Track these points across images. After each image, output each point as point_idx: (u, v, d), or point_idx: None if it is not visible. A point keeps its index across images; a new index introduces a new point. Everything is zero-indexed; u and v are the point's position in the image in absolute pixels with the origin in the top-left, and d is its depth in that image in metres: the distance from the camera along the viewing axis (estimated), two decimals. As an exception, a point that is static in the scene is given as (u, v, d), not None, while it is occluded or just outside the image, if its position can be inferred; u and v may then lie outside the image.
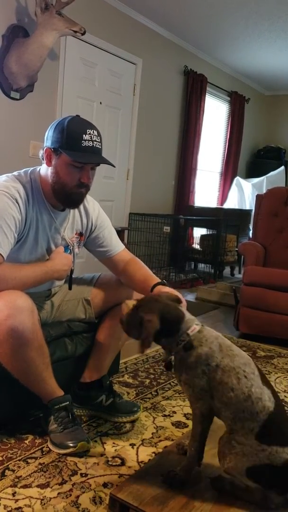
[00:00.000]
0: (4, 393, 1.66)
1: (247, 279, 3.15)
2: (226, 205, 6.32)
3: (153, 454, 1.63)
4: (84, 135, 1.58)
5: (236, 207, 6.19)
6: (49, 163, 1.64)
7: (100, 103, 4.38)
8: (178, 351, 1.28)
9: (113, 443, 1.70)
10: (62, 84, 3.94)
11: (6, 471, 1.48)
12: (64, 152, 1.58)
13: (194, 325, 1.29)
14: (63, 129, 1.59)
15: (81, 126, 1.60)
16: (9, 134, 3.59)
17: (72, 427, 1.63)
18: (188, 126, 5.52)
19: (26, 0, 3.50)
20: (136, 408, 1.88)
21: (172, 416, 1.94)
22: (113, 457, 1.61)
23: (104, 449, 1.65)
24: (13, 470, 1.49)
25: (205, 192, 6.34)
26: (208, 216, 5.34)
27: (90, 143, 1.59)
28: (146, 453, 1.64)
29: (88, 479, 1.48)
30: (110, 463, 1.57)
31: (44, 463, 1.54)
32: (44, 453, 1.60)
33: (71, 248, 1.82)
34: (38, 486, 1.42)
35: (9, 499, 1.36)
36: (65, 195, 1.65)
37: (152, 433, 1.79)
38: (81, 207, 1.81)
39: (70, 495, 1.39)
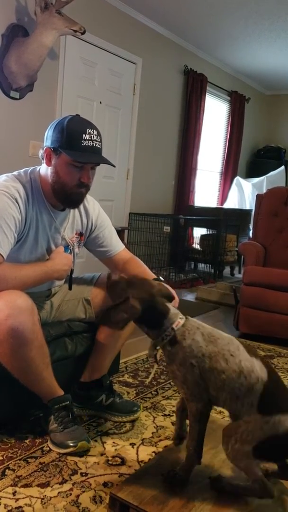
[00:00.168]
0: (4, 393, 1.66)
1: (247, 279, 3.15)
2: (226, 205, 6.32)
3: (153, 454, 1.63)
4: (84, 135, 1.58)
5: (236, 207, 6.19)
6: (49, 163, 1.64)
7: (100, 102, 4.38)
8: (164, 346, 1.29)
9: (113, 442, 1.70)
10: (62, 84, 3.94)
11: (7, 470, 1.49)
12: (64, 152, 1.58)
13: (178, 319, 1.29)
14: (63, 129, 1.58)
15: (81, 125, 1.60)
16: (9, 133, 3.59)
17: (72, 426, 1.63)
18: (188, 126, 5.52)
19: (26, -1, 3.50)
20: (136, 408, 1.88)
21: (172, 415, 1.94)
22: (113, 457, 1.61)
23: (104, 448, 1.66)
24: (13, 470, 1.49)
25: (205, 192, 6.34)
26: (208, 216, 5.34)
27: (90, 143, 1.59)
28: (146, 453, 1.65)
29: (88, 478, 1.48)
30: (110, 462, 1.57)
31: (44, 462, 1.54)
32: (44, 453, 1.60)
33: (71, 248, 1.82)
34: (38, 485, 1.42)
35: (9, 498, 1.36)
36: (65, 195, 1.65)
37: (152, 433, 1.79)
38: (81, 207, 1.81)
39: (70, 494, 1.39)
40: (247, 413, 1.22)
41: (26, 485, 1.42)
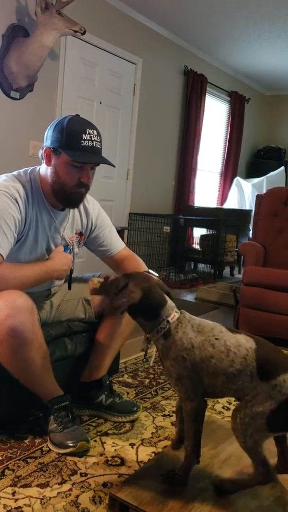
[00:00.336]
0: (4, 393, 1.66)
1: (247, 279, 3.15)
2: (226, 205, 6.32)
3: (153, 454, 1.63)
4: (83, 135, 1.58)
5: (236, 207, 6.19)
6: (48, 163, 1.64)
7: (100, 103, 4.38)
8: (158, 339, 1.29)
9: (113, 442, 1.70)
10: (62, 84, 3.94)
11: (6, 470, 1.48)
12: (63, 152, 1.58)
13: (173, 312, 1.30)
14: (63, 129, 1.58)
15: (81, 125, 1.60)
16: (9, 133, 3.59)
17: (72, 426, 1.63)
18: (188, 126, 5.52)
19: (26, -1, 3.50)
20: (135, 408, 1.88)
21: (171, 415, 1.94)
22: (113, 457, 1.61)
23: (104, 448, 1.65)
24: (12, 470, 1.49)
25: (205, 192, 6.34)
26: (208, 216, 5.34)
27: (90, 143, 1.59)
28: (145, 453, 1.64)
29: (87, 478, 1.48)
30: (109, 462, 1.57)
31: (43, 462, 1.54)
32: (43, 453, 1.60)
33: (71, 247, 1.82)
34: (37, 485, 1.42)
35: (8, 498, 1.36)
36: (64, 194, 1.65)
37: (152, 433, 1.79)
38: (81, 206, 1.81)
39: (70, 494, 1.39)
40: (250, 387, 1.21)
41: (25, 485, 1.42)
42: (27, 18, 3.52)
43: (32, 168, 1.71)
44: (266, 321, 3.06)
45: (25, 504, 1.34)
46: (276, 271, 3.14)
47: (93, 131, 1.60)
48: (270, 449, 1.27)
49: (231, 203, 6.30)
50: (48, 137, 1.64)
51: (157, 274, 1.77)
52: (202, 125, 5.72)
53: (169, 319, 1.28)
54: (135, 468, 1.54)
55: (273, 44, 5.11)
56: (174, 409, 2.00)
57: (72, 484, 1.44)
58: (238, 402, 1.27)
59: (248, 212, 5.86)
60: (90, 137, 1.59)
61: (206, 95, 5.74)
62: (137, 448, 1.68)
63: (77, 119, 1.63)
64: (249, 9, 4.28)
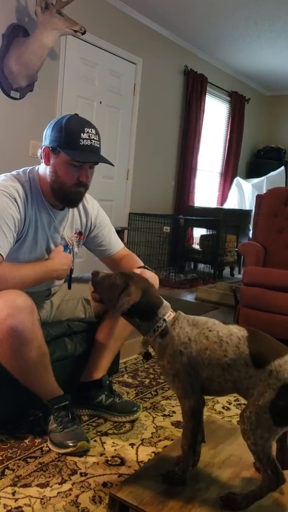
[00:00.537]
0: (4, 393, 1.66)
1: (247, 279, 3.14)
2: (226, 205, 6.32)
3: (153, 454, 1.63)
4: (82, 134, 1.58)
5: (236, 207, 6.19)
6: (47, 162, 1.64)
7: (100, 102, 4.38)
8: (155, 339, 1.29)
9: (113, 442, 1.70)
10: (62, 84, 3.94)
11: (6, 470, 1.48)
12: (62, 151, 1.58)
13: (169, 312, 1.31)
14: (61, 128, 1.58)
15: (79, 124, 1.60)
16: (9, 133, 3.59)
17: (72, 426, 1.63)
18: (188, 126, 5.52)
19: (26, -1, 3.50)
20: (135, 408, 1.88)
21: (171, 415, 1.94)
22: (113, 457, 1.61)
23: (104, 448, 1.65)
24: (12, 470, 1.49)
25: (205, 192, 6.34)
26: (208, 216, 5.34)
27: (88, 142, 1.59)
28: (145, 453, 1.64)
29: (87, 478, 1.47)
30: (109, 462, 1.57)
31: (43, 462, 1.54)
32: (43, 453, 1.60)
33: (71, 247, 1.82)
34: (37, 485, 1.42)
35: (8, 498, 1.35)
36: (63, 194, 1.65)
37: (152, 433, 1.79)
38: (81, 206, 1.81)
39: (70, 494, 1.39)
40: (247, 377, 1.20)
41: (25, 485, 1.42)
42: (27, 18, 3.52)
43: (31, 167, 1.71)
44: (266, 321, 3.06)
45: (25, 504, 1.34)
46: (276, 271, 3.13)
47: (91, 130, 1.60)
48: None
49: (231, 203, 6.29)
50: (46, 137, 1.63)
51: (153, 270, 1.78)
52: (202, 125, 5.72)
53: (165, 317, 1.29)
54: (135, 468, 1.54)
55: (273, 44, 5.11)
56: (174, 409, 2.00)
57: (72, 484, 1.44)
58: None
59: (248, 212, 5.86)
60: (89, 136, 1.59)
61: (206, 95, 5.74)
62: (137, 448, 1.67)
63: (76, 118, 1.63)
64: (249, 9, 4.28)
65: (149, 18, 4.67)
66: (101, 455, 1.61)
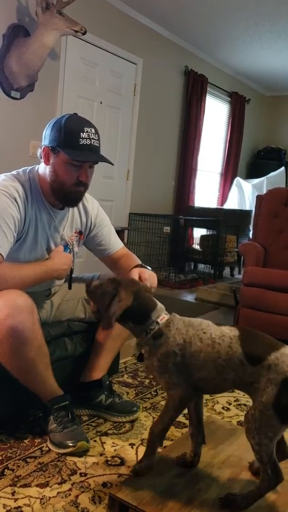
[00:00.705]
0: (4, 393, 1.65)
1: (247, 280, 3.14)
2: (226, 206, 6.32)
3: (153, 454, 1.63)
4: (81, 133, 1.57)
5: (236, 207, 6.19)
6: (47, 162, 1.64)
7: (101, 103, 4.38)
8: (148, 341, 1.28)
9: (113, 443, 1.70)
10: (62, 84, 3.95)
11: (6, 470, 1.48)
12: (62, 151, 1.58)
13: (163, 314, 1.30)
14: (61, 128, 1.58)
15: (79, 124, 1.60)
16: (9, 133, 3.59)
17: (72, 426, 1.63)
18: (188, 127, 5.52)
19: (27, -1, 3.50)
20: (135, 408, 1.88)
21: (171, 416, 1.94)
22: (113, 457, 1.61)
23: (104, 448, 1.65)
24: (12, 470, 1.49)
25: (205, 193, 6.34)
26: (208, 217, 5.34)
27: (88, 141, 1.58)
28: (145, 453, 1.64)
29: (87, 478, 1.47)
30: (109, 462, 1.57)
31: (43, 462, 1.54)
32: (43, 453, 1.60)
33: (71, 247, 1.82)
34: (37, 485, 1.42)
35: (8, 498, 1.35)
36: (63, 193, 1.65)
37: (152, 433, 1.78)
38: (80, 205, 1.81)
39: (70, 494, 1.39)
40: (246, 374, 1.19)
41: (25, 485, 1.42)
42: (27, 18, 3.52)
43: (31, 167, 1.71)
44: (266, 321, 3.06)
45: (24, 504, 1.34)
46: (276, 272, 3.13)
47: (91, 129, 1.60)
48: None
49: (231, 203, 6.30)
50: (46, 136, 1.63)
51: (149, 268, 1.77)
52: (202, 125, 5.72)
53: (158, 320, 1.28)
54: (135, 468, 1.54)
55: (273, 44, 5.11)
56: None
57: (72, 484, 1.44)
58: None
59: (248, 212, 5.86)
60: (88, 136, 1.59)
61: (207, 96, 5.74)
62: (137, 448, 1.67)
63: (75, 117, 1.63)
64: (249, 10, 4.28)
65: (150, 19, 4.68)
66: (101, 455, 1.61)
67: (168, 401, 1.30)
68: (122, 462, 1.58)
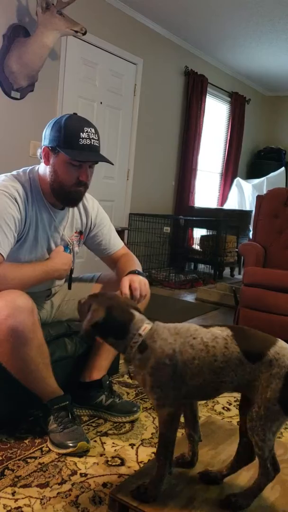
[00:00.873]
0: (4, 393, 1.65)
1: (247, 280, 3.14)
2: (226, 206, 6.32)
3: (153, 454, 1.63)
4: (81, 133, 1.57)
5: (236, 208, 6.19)
6: (47, 162, 1.64)
7: (101, 103, 4.38)
8: (134, 355, 1.23)
9: (113, 443, 1.70)
10: (62, 84, 3.95)
11: (6, 470, 1.48)
12: (62, 151, 1.58)
13: (144, 324, 1.24)
14: (61, 128, 1.58)
15: (79, 124, 1.60)
16: (9, 133, 3.59)
17: (72, 427, 1.63)
18: (188, 127, 5.52)
19: (27, -1, 3.50)
20: (135, 408, 1.88)
21: (171, 416, 1.94)
22: (113, 457, 1.61)
23: (104, 449, 1.65)
24: (12, 470, 1.49)
25: (205, 193, 6.35)
26: (208, 217, 5.34)
27: (88, 141, 1.58)
28: (145, 453, 1.64)
29: (87, 479, 1.47)
30: (109, 463, 1.57)
31: (43, 462, 1.54)
32: (43, 453, 1.60)
33: (71, 247, 1.82)
34: (37, 485, 1.42)
35: (8, 498, 1.35)
36: (63, 193, 1.65)
37: (152, 433, 1.78)
38: (81, 205, 1.81)
39: (70, 495, 1.39)
40: (245, 373, 1.16)
41: (25, 485, 1.42)
42: (28, 18, 3.52)
43: (31, 167, 1.71)
44: (266, 322, 3.05)
45: (25, 504, 1.34)
46: (276, 272, 3.13)
47: (91, 129, 1.60)
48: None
49: (231, 203, 6.30)
50: (46, 136, 1.63)
51: (144, 275, 1.74)
52: (202, 125, 5.72)
53: (141, 332, 1.22)
54: (135, 468, 1.54)
55: (273, 44, 5.11)
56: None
57: (72, 484, 1.44)
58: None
59: (248, 212, 5.86)
60: (88, 135, 1.59)
61: (207, 96, 5.74)
62: (137, 448, 1.67)
63: (75, 117, 1.63)
64: (249, 10, 4.28)
65: (150, 19, 4.68)
66: (101, 455, 1.61)
67: (159, 423, 1.24)
68: (122, 463, 1.58)
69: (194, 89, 5.48)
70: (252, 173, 6.98)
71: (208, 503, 1.23)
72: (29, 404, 1.76)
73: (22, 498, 1.36)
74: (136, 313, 1.26)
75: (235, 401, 2.11)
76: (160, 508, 1.20)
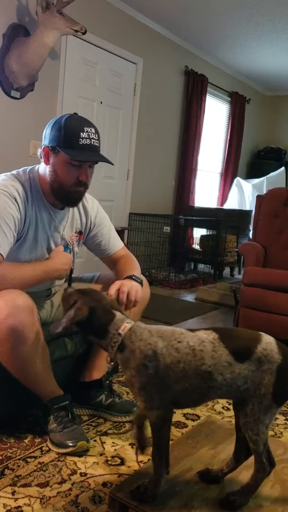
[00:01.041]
0: (4, 393, 1.65)
1: (247, 280, 3.14)
2: (226, 206, 6.32)
3: (153, 454, 1.63)
4: (81, 133, 1.57)
5: (236, 207, 6.19)
6: (47, 162, 1.63)
7: (101, 102, 4.38)
8: (115, 354, 1.23)
9: (113, 442, 1.70)
10: (62, 84, 3.95)
11: (6, 470, 1.48)
12: (62, 151, 1.58)
13: (124, 324, 1.24)
14: (61, 127, 1.58)
15: (79, 123, 1.60)
16: (9, 133, 3.59)
17: (72, 426, 1.63)
18: (188, 126, 5.52)
19: (27, -1, 3.50)
20: (135, 408, 1.88)
21: (171, 416, 1.94)
22: (113, 457, 1.61)
23: (104, 448, 1.65)
24: (12, 469, 1.49)
25: (205, 193, 6.35)
26: (208, 217, 5.34)
27: (88, 141, 1.58)
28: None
29: (87, 478, 1.47)
30: (109, 462, 1.57)
31: (43, 462, 1.54)
32: (43, 453, 1.60)
33: (71, 247, 1.82)
34: (37, 485, 1.42)
35: (8, 498, 1.35)
36: (63, 193, 1.65)
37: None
38: (80, 205, 1.81)
39: (70, 494, 1.39)
40: (235, 375, 1.15)
41: (25, 485, 1.42)
42: (27, 18, 3.52)
43: (31, 167, 1.71)
44: (266, 321, 3.05)
45: (24, 504, 1.34)
46: (276, 272, 3.14)
47: (91, 129, 1.60)
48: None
49: (231, 203, 6.30)
50: (46, 136, 1.63)
51: (141, 279, 1.73)
52: (202, 125, 5.72)
53: (120, 331, 1.22)
54: (135, 468, 1.54)
55: (273, 44, 5.11)
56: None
57: (72, 484, 1.44)
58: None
59: (248, 212, 5.87)
60: (88, 135, 1.59)
61: (207, 96, 5.74)
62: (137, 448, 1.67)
63: (75, 117, 1.62)
64: (249, 10, 4.28)
65: (150, 18, 4.68)
66: (101, 455, 1.61)
67: (151, 426, 1.23)
68: (122, 462, 1.58)
69: (194, 88, 5.48)
70: (252, 173, 6.98)
71: (207, 503, 1.23)
72: (29, 404, 1.76)
73: (22, 498, 1.36)
74: (117, 313, 1.27)
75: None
76: (160, 508, 1.20)
